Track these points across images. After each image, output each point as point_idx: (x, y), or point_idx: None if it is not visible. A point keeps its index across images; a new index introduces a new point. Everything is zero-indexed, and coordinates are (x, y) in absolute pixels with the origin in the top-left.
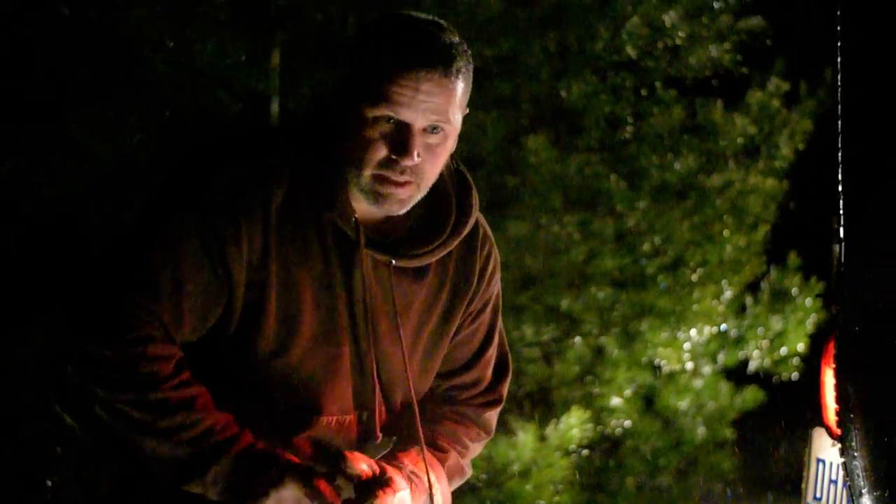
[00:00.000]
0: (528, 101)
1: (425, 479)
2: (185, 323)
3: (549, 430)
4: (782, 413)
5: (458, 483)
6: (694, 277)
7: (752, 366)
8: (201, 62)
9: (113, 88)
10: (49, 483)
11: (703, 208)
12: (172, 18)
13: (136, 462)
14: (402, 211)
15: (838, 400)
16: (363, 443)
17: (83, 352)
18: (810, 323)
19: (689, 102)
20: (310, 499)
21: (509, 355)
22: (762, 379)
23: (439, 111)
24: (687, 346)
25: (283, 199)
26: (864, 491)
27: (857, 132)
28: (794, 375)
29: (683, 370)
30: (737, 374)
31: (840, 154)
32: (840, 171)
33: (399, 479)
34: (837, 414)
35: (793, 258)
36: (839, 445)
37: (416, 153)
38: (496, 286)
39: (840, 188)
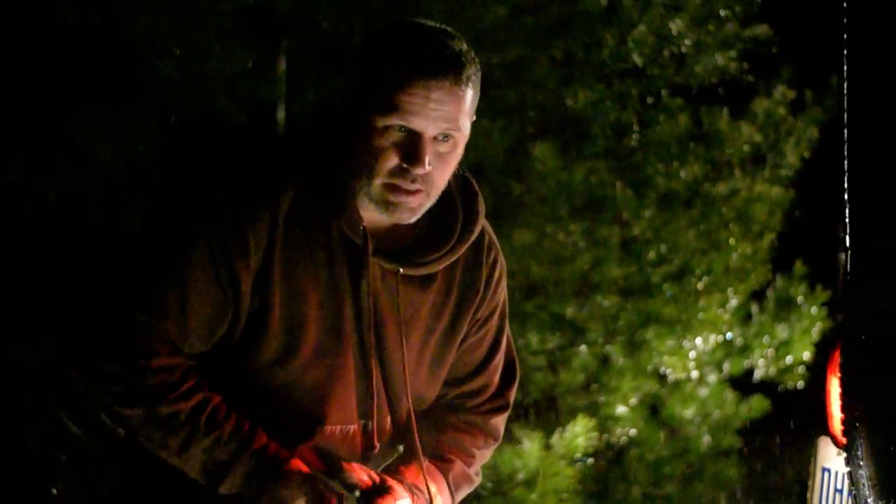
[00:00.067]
0: (533, 109)
1: (426, 490)
2: (193, 336)
3: (555, 438)
4: (788, 422)
5: (466, 491)
6: (700, 286)
7: (758, 374)
8: (208, 69)
9: (118, 94)
10: (54, 491)
11: (709, 216)
12: (179, 25)
13: (140, 466)
14: (413, 219)
15: (844, 409)
16: (367, 452)
17: (92, 367)
18: (816, 331)
19: (694, 110)
20: None
21: (517, 360)
22: (768, 387)
23: (450, 119)
24: (692, 354)
25: (289, 207)
26: (869, 500)
27: (863, 140)
28: (800, 384)
29: (689, 378)
30: (742, 383)
31: (846, 162)
32: (846, 179)
33: (399, 489)
34: (843, 423)
35: (799, 266)
36: (845, 455)
37: (427, 162)
38: (503, 293)
39: (846, 196)
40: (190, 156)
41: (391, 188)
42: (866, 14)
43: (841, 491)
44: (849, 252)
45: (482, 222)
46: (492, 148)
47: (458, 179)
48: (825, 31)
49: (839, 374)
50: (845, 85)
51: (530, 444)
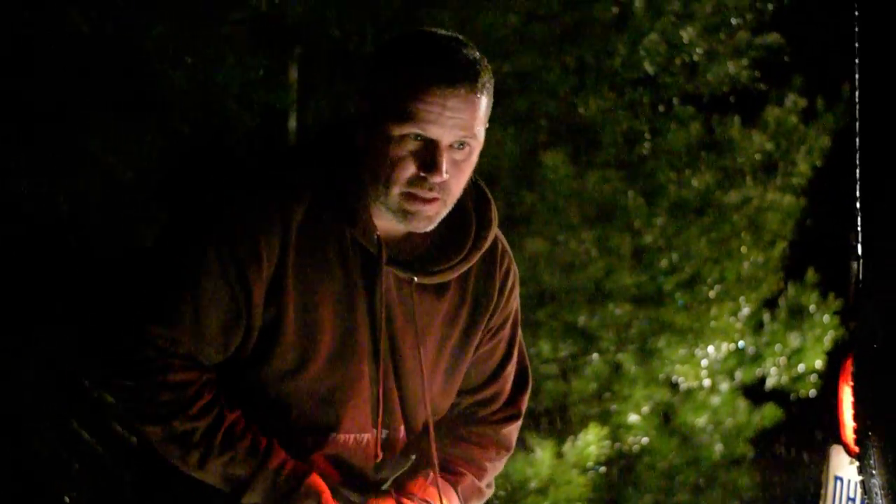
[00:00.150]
0: (545, 118)
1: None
2: (209, 347)
3: (567, 447)
4: (800, 430)
5: (478, 500)
6: (711, 294)
7: (770, 383)
8: (219, 77)
9: (130, 103)
10: (67, 499)
11: (721, 225)
12: (191, 34)
13: (152, 475)
14: (430, 228)
15: (856, 417)
16: (380, 460)
17: (109, 383)
18: (828, 340)
19: (706, 119)
20: None
21: (529, 369)
22: (780, 396)
23: (465, 127)
24: (704, 362)
25: (303, 217)
26: None
27: (875, 148)
28: (812, 392)
29: (701, 387)
30: (754, 391)
31: (858, 170)
32: (858, 187)
33: None
34: (855, 431)
35: (810, 275)
36: (857, 463)
37: (444, 170)
38: (516, 301)
39: (858, 205)
40: (207, 178)
41: (408, 197)
42: (878, 22)
43: (853, 500)
44: (861, 260)
45: (495, 230)
46: (503, 156)
47: (472, 187)
48: (837, 39)
49: (851, 383)
50: (857, 93)
51: (542, 453)
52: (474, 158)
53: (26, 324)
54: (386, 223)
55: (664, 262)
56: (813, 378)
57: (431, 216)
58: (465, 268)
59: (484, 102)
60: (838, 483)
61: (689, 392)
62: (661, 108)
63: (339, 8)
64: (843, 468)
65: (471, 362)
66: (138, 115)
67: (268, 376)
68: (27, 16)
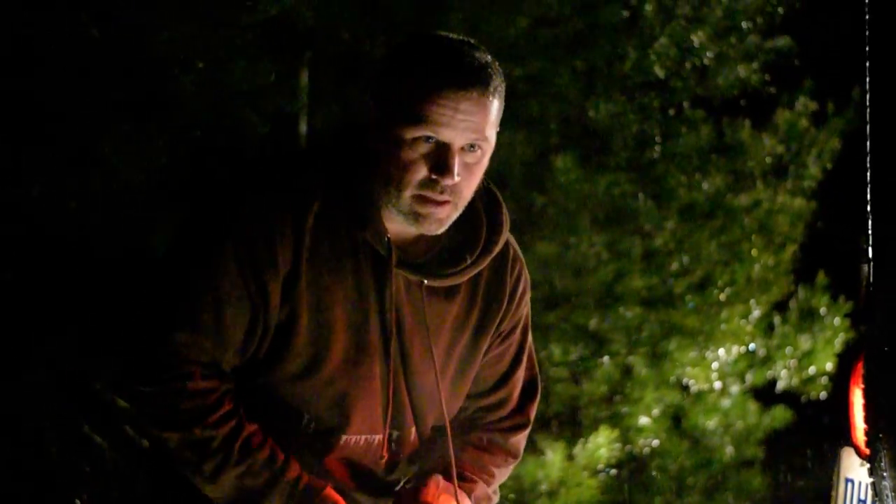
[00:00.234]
0: (556, 121)
1: None
2: (230, 350)
3: (577, 449)
4: (810, 432)
5: None
6: (722, 297)
7: (781, 385)
8: (230, 82)
9: (142, 109)
10: (78, 501)
11: (731, 228)
12: (202, 39)
13: (168, 480)
14: (441, 230)
15: (867, 420)
16: (390, 463)
17: (129, 389)
18: (838, 342)
19: (716, 122)
20: None
21: (538, 378)
22: (790, 398)
23: (477, 129)
24: (715, 365)
25: (315, 220)
26: None
27: (885, 151)
28: (823, 395)
29: (711, 389)
30: (765, 394)
31: (868, 173)
32: (868, 190)
33: None
34: (866, 434)
35: (821, 277)
36: (868, 465)
37: (456, 172)
38: (526, 307)
39: (868, 207)
40: (221, 183)
41: (420, 200)
42: (888, 25)
43: (864, 502)
44: (871, 263)
45: (506, 234)
46: (514, 160)
47: (483, 191)
48: (846, 42)
49: (862, 385)
50: (867, 96)
51: (553, 455)
52: (485, 161)
53: (36, 327)
54: (397, 226)
55: (675, 265)
56: (823, 380)
57: (442, 219)
58: (475, 271)
59: (495, 105)
60: (849, 485)
61: (700, 394)
62: (671, 112)
63: (349, 12)
64: (854, 470)
65: (479, 367)
66: (149, 118)
67: (281, 378)
68: (37, 19)
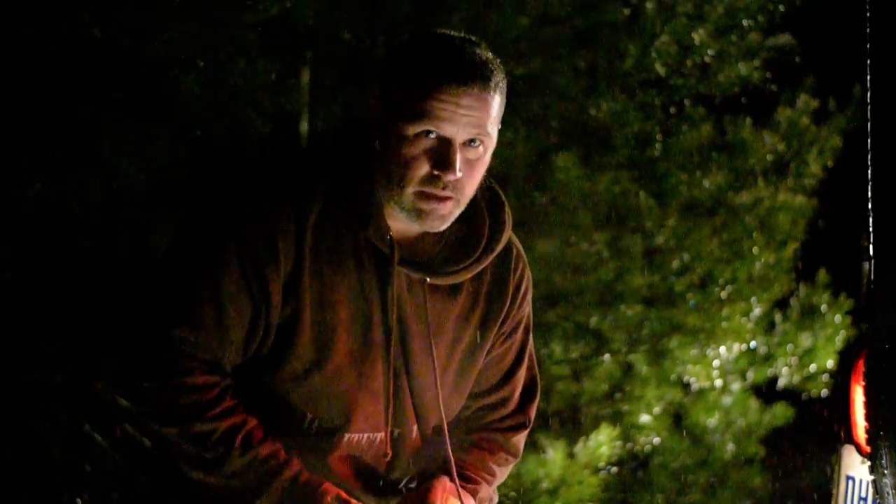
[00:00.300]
0: (556, 119)
1: None
2: (231, 348)
3: (578, 447)
4: (811, 430)
5: None
6: (723, 295)
7: (782, 383)
8: (231, 82)
9: (143, 108)
10: (79, 501)
11: (732, 226)
12: (202, 39)
13: (170, 479)
14: (443, 227)
15: (868, 417)
16: (392, 461)
17: (129, 385)
18: (839, 340)
19: (717, 120)
20: None
21: (538, 378)
22: (791, 396)
23: (479, 125)
24: (716, 363)
25: (317, 218)
26: None
27: (886, 149)
28: (824, 392)
29: (712, 387)
30: (766, 391)
31: (869, 171)
32: (869, 188)
33: None
34: (867, 431)
35: (822, 275)
36: (869, 463)
37: (458, 168)
38: (528, 306)
39: (869, 205)
40: (223, 182)
41: (422, 196)
42: (889, 23)
43: (865, 499)
44: (872, 261)
45: (509, 232)
46: (515, 158)
47: (485, 190)
48: (848, 40)
49: (863, 383)
50: (869, 94)
51: (554, 453)
52: (487, 158)
53: (36, 327)
54: (400, 224)
55: (676, 263)
56: (824, 378)
57: (445, 215)
58: (477, 269)
59: (497, 101)
60: (850, 483)
61: (701, 392)
62: (672, 110)
63: (350, 12)
64: (855, 468)
65: (482, 365)
66: (150, 118)
67: (284, 377)
68: (37, 19)
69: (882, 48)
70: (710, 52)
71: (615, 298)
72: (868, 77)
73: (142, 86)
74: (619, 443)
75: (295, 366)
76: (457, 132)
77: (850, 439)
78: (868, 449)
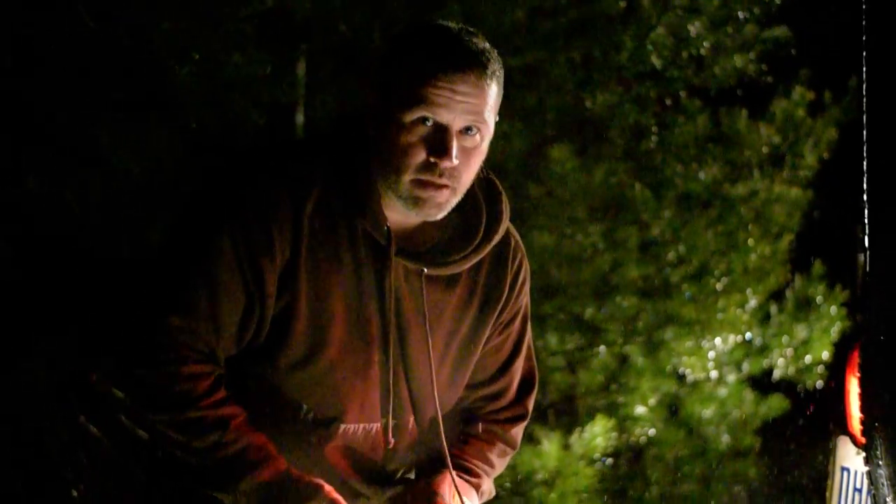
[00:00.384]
0: (552, 112)
1: None
2: (225, 336)
3: (574, 438)
4: (806, 421)
5: (485, 500)
6: (718, 286)
7: (777, 374)
8: (227, 73)
9: (138, 100)
10: (74, 493)
11: (728, 217)
12: (198, 30)
13: (166, 471)
14: (440, 216)
15: (863, 409)
16: (388, 451)
17: (122, 372)
18: (835, 331)
19: (713, 112)
20: None
21: (536, 370)
22: (787, 387)
23: (475, 112)
24: (711, 354)
25: (313, 208)
26: (888, 500)
27: (882, 141)
28: (819, 384)
29: (708, 379)
30: (761, 383)
31: (865, 163)
32: (865, 179)
33: None
34: (862, 423)
35: (817, 267)
36: (864, 454)
37: (454, 155)
38: (526, 297)
39: (865, 197)
40: (219, 171)
41: (419, 184)
42: (885, 15)
43: (860, 490)
44: (867, 252)
45: (506, 223)
46: (511, 150)
47: (482, 181)
48: (844, 32)
49: (858, 374)
50: (864, 86)
51: (549, 445)
52: (484, 147)
53: (33, 321)
54: (397, 215)
55: (671, 255)
56: (820, 369)
57: (442, 203)
58: (474, 260)
59: (494, 90)
60: (845, 474)
61: (696, 384)
62: (668, 102)
63: (346, 4)
64: (850, 459)
65: (479, 356)
66: (145, 110)
67: (280, 367)
68: (33, 13)
69: (877, 40)
70: (705, 44)
71: (611, 290)
72: (863, 69)
73: (137, 78)
74: (614, 434)
75: (290, 356)
76: (453, 119)
77: (845, 430)
78: (863, 440)
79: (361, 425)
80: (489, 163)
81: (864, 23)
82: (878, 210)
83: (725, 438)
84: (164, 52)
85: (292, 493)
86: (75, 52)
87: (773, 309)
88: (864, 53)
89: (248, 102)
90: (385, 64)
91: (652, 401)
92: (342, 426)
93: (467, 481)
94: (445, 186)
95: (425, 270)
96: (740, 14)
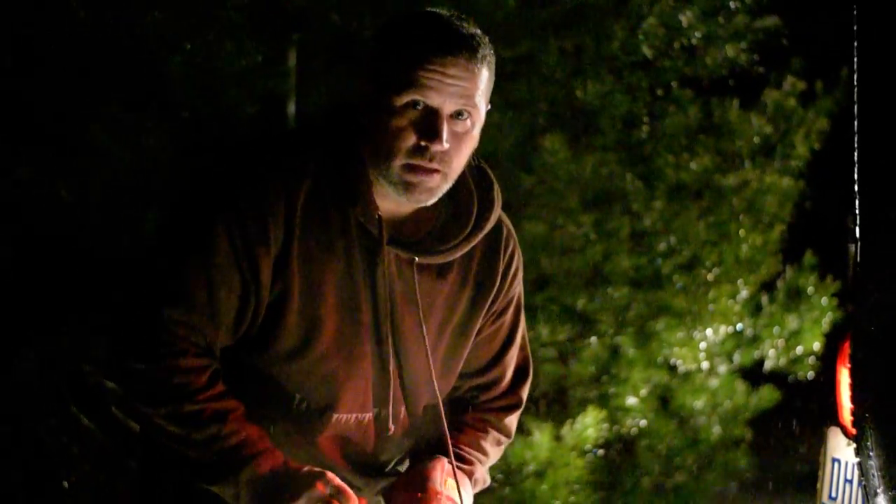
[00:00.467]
0: (544, 102)
1: (456, 496)
2: (222, 328)
3: (565, 429)
4: (798, 412)
5: (479, 489)
6: (710, 277)
7: (768, 365)
8: (218, 64)
9: (130, 90)
10: (66, 483)
11: (719, 208)
12: (190, 20)
13: (160, 464)
14: (431, 201)
15: (854, 399)
16: (381, 441)
17: (119, 366)
18: (826, 322)
19: (705, 102)
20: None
21: (530, 359)
22: (778, 378)
23: (466, 95)
24: (703, 345)
25: (306, 197)
26: (879, 491)
27: (873, 131)
28: (810, 374)
29: (699, 369)
30: (752, 374)
31: (856, 153)
32: (856, 170)
33: None
34: (853, 413)
35: (808, 257)
36: (855, 445)
37: (445, 138)
38: (519, 286)
39: (856, 187)
40: (212, 163)
41: (410, 168)
42: (876, 5)
43: (851, 481)
44: (859, 243)
45: (498, 211)
46: (502, 140)
47: (474, 169)
48: (835, 22)
49: (849, 365)
50: (855, 76)
51: (541, 436)
52: (476, 133)
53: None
54: (389, 204)
55: (662, 246)
56: (811, 360)
57: (433, 188)
58: (466, 248)
59: (485, 74)
60: (836, 465)
61: (688, 374)
62: (659, 92)
63: None
64: (841, 450)
65: (472, 346)
66: (137, 100)
67: (273, 357)
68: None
69: (869, 30)
70: (697, 34)
71: (602, 281)
72: (855, 59)
73: (129, 68)
74: (605, 425)
75: (284, 346)
76: (444, 102)
77: (835, 421)
78: (854, 431)
79: (354, 415)
80: (480, 153)
81: (855, 12)
82: (869, 200)
83: (717, 429)
84: (156, 42)
85: (291, 484)
86: (67, 44)
87: (765, 300)
88: (856, 43)
89: (240, 93)
90: (376, 50)
91: (643, 392)
92: (335, 416)
93: (461, 469)
94: (436, 171)
95: (417, 259)
96: (732, 4)
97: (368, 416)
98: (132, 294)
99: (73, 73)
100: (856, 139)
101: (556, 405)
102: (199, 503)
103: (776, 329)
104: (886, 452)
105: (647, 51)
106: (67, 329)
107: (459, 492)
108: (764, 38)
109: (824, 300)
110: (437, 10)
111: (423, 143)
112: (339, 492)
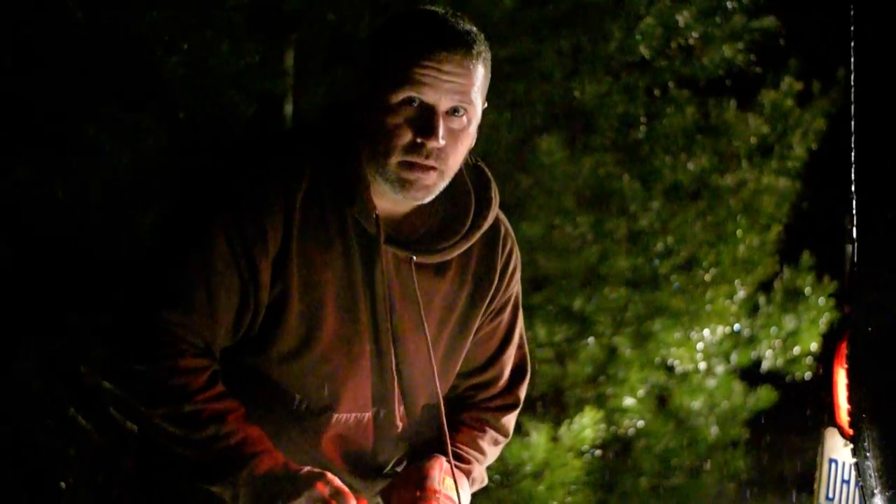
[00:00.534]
0: (541, 102)
1: (455, 495)
2: (221, 329)
3: (562, 430)
4: (795, 413)
5: (476, 488)
6: (707, 277)
7: (765, 365)
8: (215, 63)
9: (127, 90)
10: (63, 485)
11: (717, 208)
12: (187, 20)
13: (158, 465)
14: (428, 199)
15: (851, 400)
16: (380, 440)
17: (121, 369)
18: (823, 322)
19: (702, 102)
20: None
21: (528, 358)
22: (775, 378)
23: (462, 91)
24: (700, 345)
25: (303, 197)
26: (876, 491)
27: (870, 132)
28: (807, 375)
29: (696, 370)
30: (750, 374)
31: (853, 154)
32: (853, 170)
33: None
34: (850, 414)
35: (806, 258)
36: (852, 446)
37: (441, 135)
38: (517, 285)
39: (853, 188)
40: (210, 163)
41: (406, 165)
42: (873, 6)
43: (848, 482)
44: (856, 243)
45: (496, 210)
46: (499, 141)
47: (471, 168)
48: (832, 22)
49: (846, 366)
50: (852, 76)
51: (538, 436)
52: (472, 130)
53: (24, 312)
54: (386, 203)
55: (660, 246)
56: (808, 361)
57: (429, 185)
58: (464, 247)
59: (480, 71)
60: (833, 465)
61: (685, 375)
62: (656, 92)
63: None
64: (838, 451)
65: (470, 345)
66: (136, 100)
67: (272, 358)
68: (23, 4)
69: (865, 31)
70: (694, 34)
71: (599, 281)
72: (851, 60)
73: (126, 67)
74: (602, 426)
75: (283, 346)
76: (439, 99)
77: (832, 422)
78: (851, 432)
79: (353, 414)
80: (477, 152)
81: (852, 13)
82: (866, 201)
83: (714, 430)
84: (153, 42)
85: (290, 485)
86: (66, 44)
87: (762, 300)
88: (853, 44)
89: (237, 92)
90: (372, 48)
91: (640, 392)
92: (335, 415)
93: (459, 468)
94: (433, 168)
95: (415, 258)
96: (729, 4)
97: (368, 415)
98: (131, 295)
99: (72, 73)
100: (853, 140)
101: (553, 406)
102: None
103: (773, 329)
104: (883, 453)
105: (644, 51)
106: (66, 329)
107: (458, 491)
108: (761, 39)
109: (821, 300)
110: (433, 8)
111: (419, 140)
112: (338, 492)
